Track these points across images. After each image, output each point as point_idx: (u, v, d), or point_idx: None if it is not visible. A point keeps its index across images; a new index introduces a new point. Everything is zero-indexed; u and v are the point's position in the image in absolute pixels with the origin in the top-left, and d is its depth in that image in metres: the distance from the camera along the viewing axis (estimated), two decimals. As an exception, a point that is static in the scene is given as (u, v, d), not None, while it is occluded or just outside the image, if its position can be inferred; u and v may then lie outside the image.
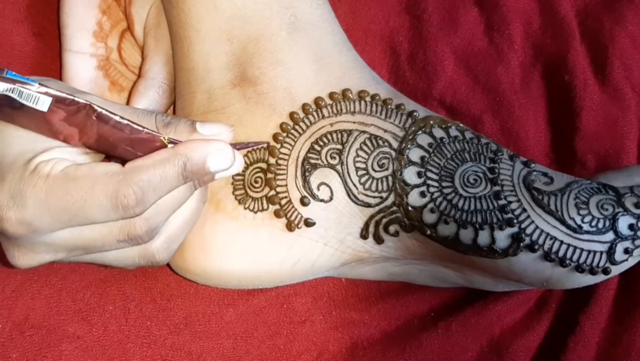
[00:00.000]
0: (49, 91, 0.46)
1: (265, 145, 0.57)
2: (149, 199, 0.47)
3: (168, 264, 0.61)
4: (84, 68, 0.64)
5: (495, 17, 0.70)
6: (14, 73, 0.46)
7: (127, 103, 0.61)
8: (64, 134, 0.48)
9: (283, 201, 0.56)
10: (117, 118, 0.48)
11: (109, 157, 0.52)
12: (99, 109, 0.47)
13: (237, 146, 0.53)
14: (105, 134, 0.48)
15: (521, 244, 0.54)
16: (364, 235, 0.57)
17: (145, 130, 0.48)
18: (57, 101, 0.47)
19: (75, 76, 0.63)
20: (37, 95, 0.46)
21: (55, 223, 0.47)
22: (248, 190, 0.57)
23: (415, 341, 0.64)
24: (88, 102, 0.47)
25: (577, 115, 0.67)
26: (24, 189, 0.46)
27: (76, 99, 0.47)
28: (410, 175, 0.56)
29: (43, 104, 0.46)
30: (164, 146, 0.49)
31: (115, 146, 0.49)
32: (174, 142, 0.49)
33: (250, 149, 0.56)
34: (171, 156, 0.48)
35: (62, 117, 0.47)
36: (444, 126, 0.57)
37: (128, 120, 0.48)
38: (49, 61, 0.68)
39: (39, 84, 0.46)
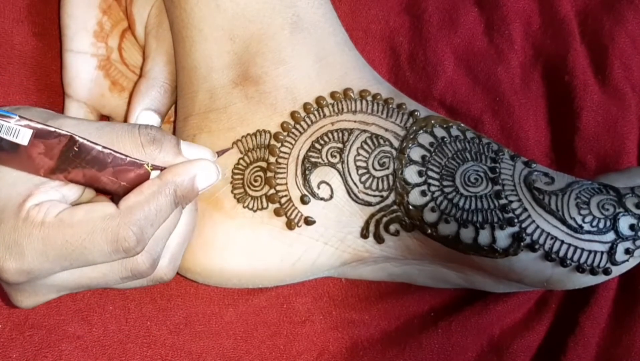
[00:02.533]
0: (29, 123, 0.46)
1: (229, 149, 0.57)
2: (148, 235, 0.47)
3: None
4: (84, 68, 0.64)
5: (495, 17, 0.70)
6: None
7: (129, 103, 0.61)
8: (45, 168, 0.47)
9: (283, 200, 0.56)
10: (99, 148, 0.47)
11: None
12: (80, 140, 0.47)
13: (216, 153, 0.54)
14: (89, 171, 0.48)
15: (522, 243, 0.54)
16: (364, 234, 0.57)
17: (129, 158, 0.48)
18: (37, 135, 0.46)
19: (76, 76, 0.63)
20: (17, 128, 0.46)
21: (55, 268, 0.47)
22: (247, 189, 0.57)
23: (415, 341, 0.64)
24: (69, 133, 0.47)
25: (577, 115, 0.67)
26: (19, 239, 0.45)
27: (57, 130, 0.46)
28: (411, 174, 0.56)
29: (23, 137, 0.45)
30: (147, 172, 0.49)
31: (98, 177, 0.49)
32: (157, 168, 0.49)
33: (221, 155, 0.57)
34: (161, 186, 0.48)
35: (41, 151, 0.46)
36: (445, 126, 0.57)
37: (110, 149, 0.48)
38: (49, 60, 0.68)
39: (19, 116, 0.46)
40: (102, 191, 0.52)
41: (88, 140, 0.47)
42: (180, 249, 0.54)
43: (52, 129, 0.46)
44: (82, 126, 0.49)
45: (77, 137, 0.47)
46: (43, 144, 0.46)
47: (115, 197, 0.51)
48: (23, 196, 0.46)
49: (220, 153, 0.56)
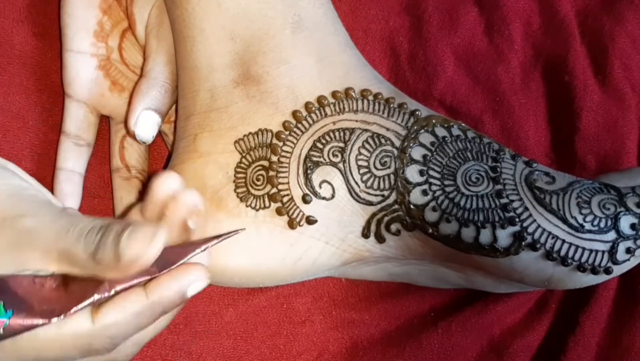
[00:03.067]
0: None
1: (239, 231, 0.51)
2: (119, 344, 0.45)
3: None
4: (84, 68, 0.64)
5: (495, 17, 0.70)
6: None
7: (129, 103, 0.61)
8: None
9: (285, 199, 0.56)
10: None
11: None
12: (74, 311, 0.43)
13: (210, 242, 0.47)
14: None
15: (523, 242, 0.54)
16: (365, 234, 0.57)
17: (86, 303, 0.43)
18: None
19: (76, 76, 0.63)
20: None
21: None
22: (250, 188, 0.57)
23: (415, 341, 0.64)
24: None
25: (577, 115, 0.67)
26: None
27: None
28: (412, 173, 0.56)
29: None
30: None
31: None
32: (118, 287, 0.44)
33: (222, 239, 0.49)
34: (146, 307, 0.44)
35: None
36: (446, 125, 0.57)
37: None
38: (49, 60, 0.68)
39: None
40: None
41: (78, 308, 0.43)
42: (146, 341, 0.50)
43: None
44: (39, 228, 0.44)
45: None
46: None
47: None
48: None
49: (226, 236, 0.49)
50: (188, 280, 0.45)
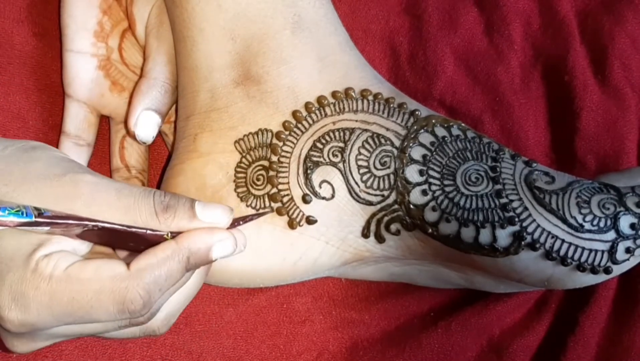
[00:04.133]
0: (46, 221, 0.45)
1: (268, 212, 0.57)
2: (155, 299, 0.46)
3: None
4: (84, 68, 0.64)
5: (495, 17, 0.70)
6: (7, 210, 0.44)
7: (129, 103, 0.61)
8: (63, 233, 0.47)
9: (285, 199, 0.56)
10: (119, 227, 0.46)
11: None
12: (102, 225, 0.46)
13: (239, 221, 0.51)
14: (107, 236, 0.47)
15: (522, 242, 0.54)
16: (365, 234, 0.57)
17: (148, 232, 0.47)
18: (53, 226, 0.45)
19: (76, 76, 0.64)
20: (33, 227, 0.45)
21: (58, 323, 0.46)
22: (250, 188, 0.57)
23: (415, 341, 0.64)
24: (88, 223, 0.46)
25: (577, 115, 0.67)
26: (26, 291, 0.44)
27: (74, 222, 0.45)
28: (412, 173, 0.56)
29: (42, 229, 0.45)
30: (166, 240, 0.48)
31: (117, 243, 0.49)
32: (175, 235, 0.48)
33: (252, 220, 0.53)
34: (175, 252, 0.46)
35: (60, 230, 0.46)
36: (446, 125, 0.57)
37: (129, 227, 0.46)
38: (49, 61, 0.67)
39: (34, 217, 0.44)
40: (117, 248, 0.52)
41: (108, 223, 0.46)
42: (180, 308, 0.53)
43: (68, 221, 0.45)
44: (100, 186, 0.47)
45: (92, 224, 0.46)
46: (61, 228, 0.45)
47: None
48: (34, 245, 0.45)
49: (255, 217, 0.53)
50: (216, 237, 0.48)
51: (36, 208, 0.44)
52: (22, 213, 0.43)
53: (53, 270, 0.44)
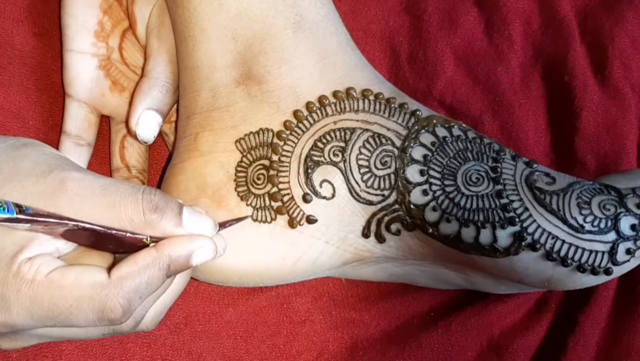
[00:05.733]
0: (27, 218, 0.45)
1: (247, 217, 0.57)
2: (135, 307, 0.47)
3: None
4: (85, 68, 0.64)
5: (495, 17, 0.71)
6: None
7: (130, 103, 0.61)
8: (45, 232, 0.47)
9: (285, 198, 0.56)
10: (98, 228, 0.47)
11: None
12: (81, 225, 0.46)
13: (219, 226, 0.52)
14: (87, 237, 0.48)
15: (523, 243, 0.54)
16: (365, 233, 0.57)
17: (128, 234, 0.47)
18: (34, 223, 0.45)
19: (77, 76, 0.64)
20: (14, 224, 0.45)
21: (38, 325, 0.46)
22: (250, 187, 0.57)
23: (415, 341, 0.64)
24: (68, 222, 0.46)
25: (577, 115, 0.67)
26: (7, 294, 0.45)
27: (54, 221, 0.46)
28: (412, 173, 0.56)
29: (23, 226, 0.45)
30: (146, 244, 0.48)
31: (98, 244, 0.49)
32: (155, 241, 0.48)
33: (231, 225, 0.55)
34: (155, 259, 0.47)
35: (41, 228, 0.46)
36: (447, 126, 0.57)
37: (108, 228, 0.47)
38: (49, 60, 0.68)
39: (15, 214, 0.44)
40: (99, 250, 0.52)
41: (87, 223, 0.46)
42: (166, 308, 0.54)
43: (49, 220, 0.45)
44: (85, 182, 0.48)
45: (72, 224, 0.46)
46: (41, 226, 0.46)
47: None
48: (17, 246, 0.46)
49: (233, 222, 0.55)
50: (196, 243, 0.49)
51: (17, 205, 0.44)
52: (4, 209, 0.44)
53: (35, 275, 0.45)
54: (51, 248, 0.47)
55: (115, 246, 0.48)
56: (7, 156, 0.49)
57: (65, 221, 0.46)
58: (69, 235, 0.47)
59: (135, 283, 0.46)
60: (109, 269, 0.47)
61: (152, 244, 0.48)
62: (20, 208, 0.44)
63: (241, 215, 0.57)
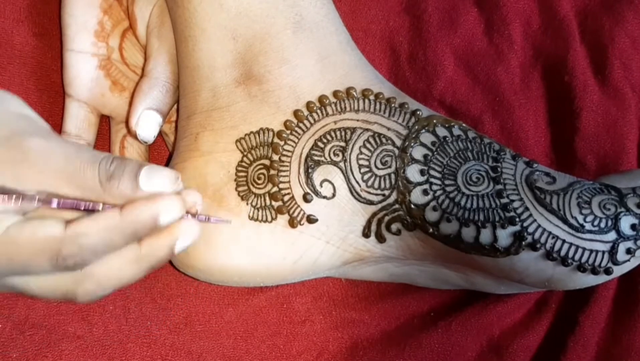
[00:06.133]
0: None
1: (229, 222, 0.56)
2: (90, 260, 0.46)
3: (170, 262, 0.61)
4: (85, 68, 0.64)
5: (495, 17, 0.71)
6: None
7: (130, 102, 0.61)
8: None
9: (286, 198, 0.56)
10: (54, 205, 0.45)
11: None
12: (37, 200, 0.45)
13: (200, 216, 0.50)
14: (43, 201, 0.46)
15: (523, 242, 0.54)
16: (366, 233, 0.57)
17: (83, 204, 0.46)
18: None
19: (77, 76, 0.64)
20: None
21: (0, 276, 0.46)
22: (251, 186, 0.57)
23: (415, 341, 0.64)
24: (20, 199, 0.45)
25: (577, 115, 0.68)
26: None
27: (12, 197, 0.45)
28: (413, 173, 0.56)
29: None
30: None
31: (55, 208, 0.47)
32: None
33: (210, 221, 0.52)
34: (117, 225, 0.45)
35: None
36: (447, 125, 0.58)
37: (63, 199, 0.45)
38: (49, 60, 0.68)
39: None
40: None
41: (42, 197, 0.45)
42: (108, 288, 0.49)
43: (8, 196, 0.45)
44: (48, 150, 0.46)
45: (34, 201, 0.45)
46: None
47: None
48: None
49: (215, 220, 0.53)
50: (162, 204, 0.45)
51: None
52: None
53: None
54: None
55: (74, 209, 0.47)
56: None
57: (19, 200, 0.45)
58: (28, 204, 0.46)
59: (90, 241, 0.45)
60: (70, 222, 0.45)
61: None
62: None
63: (241, 215, 0.57)
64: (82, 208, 0.46)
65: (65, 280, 0.47)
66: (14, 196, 0.45)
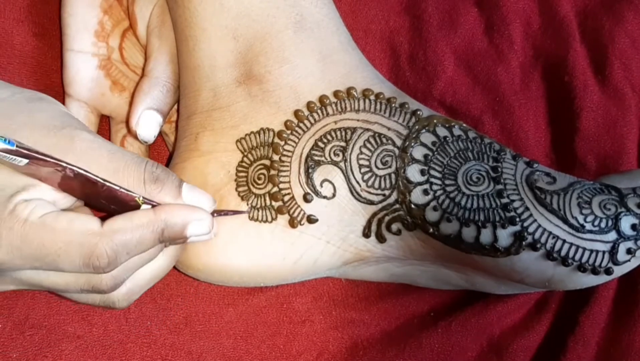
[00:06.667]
0: (25, 152, 0.45)
1: (246, 212, 0.57)
2: (120, 260, 0.48)
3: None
4: (85, 68, 0.64)
5: (495, 17, 0.71)
6: None
7: (131, 102, 0.61)
8: (43, 179, 0.48)
9: (286, 198, 0.56)
10: (92, 177, 0.47)
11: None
12: (77, 170, 0.47)
13: (215, 213, 0.54)
14: (82, 187, 0.48)
15: (523, 242, 0.54)
16: (366, 233, 0.57)
17: (121, 189, 0.48)
18: (33, 161, 0.46)
19: (77, 76, 0.63)
20: (13, 157, 0.45)
21: (25, 265, 0.47)
22: (251, 187, 0.57)
23: (415, 341, 0.64)
24: (65, 165, 0.47)
25: (577, 116, 0.68)
26: (0, 230, 0.46)
27: (52, 160, 0.46)
28: (413, 173, 0.56)
29: (21, 161, 0.45)
30: (138, 204, 0.49)
31: (93, 198, 0.50)
32: (148, 203, 0.50)
33: (227, 214, 0.57)
34: (151, 221, 0.49)
35: (38, 168, 0.47)
36: (447, 125, 0.57)
37: (103, 180, 0.48)
38: (49, 60, 0.67)
39: (17, 146, 0.45)
40: (94, 207, 0.53)
41: (83, 170, 0.47)
42: (144, 285, 0.54)
43: (48, 159, 0.46)
44: (94, 144, 0.49)
45: (73, 167, 0.47)
46: (39, 166, 0.46)
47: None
48: (17, 188, 0.47)
49: (231, 213, 0.57)
50: (195, 215, 0.51)
51: (19, 143, 0.45)
52: (6, 140, 0.44)
53: (29, 215, 0.46)
54: (49, 197, 0.48)
55: (108, 201, 0.49)
56: (22, 107, 0.50)
57: (63, 164, 0.46)
58: (65, 185, 0.48)
59: (125, 237, 0.47)
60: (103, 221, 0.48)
61: (143, 206, 0.49)
62: (21, 146, 0.45)
63: (241, 215, 0.57)
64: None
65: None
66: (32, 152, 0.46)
